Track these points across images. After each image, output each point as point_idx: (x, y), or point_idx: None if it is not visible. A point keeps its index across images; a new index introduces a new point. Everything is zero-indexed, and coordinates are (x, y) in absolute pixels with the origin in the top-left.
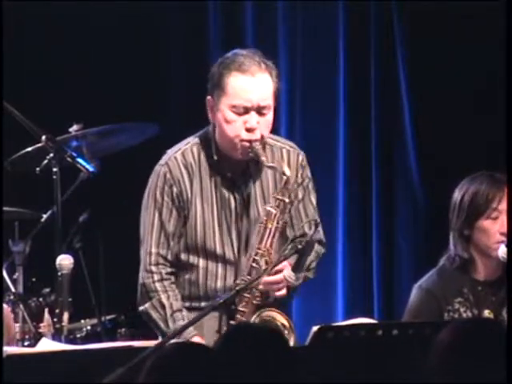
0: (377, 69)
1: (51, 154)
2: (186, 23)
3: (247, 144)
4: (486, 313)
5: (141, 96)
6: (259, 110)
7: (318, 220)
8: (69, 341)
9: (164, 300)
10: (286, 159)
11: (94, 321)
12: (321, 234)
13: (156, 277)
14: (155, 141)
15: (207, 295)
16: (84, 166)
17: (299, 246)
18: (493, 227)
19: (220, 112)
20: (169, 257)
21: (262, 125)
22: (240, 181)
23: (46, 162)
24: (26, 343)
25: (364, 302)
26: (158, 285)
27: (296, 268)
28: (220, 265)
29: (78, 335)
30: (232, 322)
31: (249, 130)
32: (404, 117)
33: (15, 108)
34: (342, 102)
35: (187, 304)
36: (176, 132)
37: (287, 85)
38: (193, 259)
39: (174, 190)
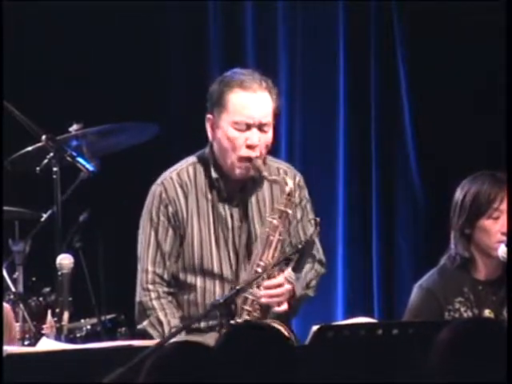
0: (377, 69)
1: (51, 154)
2: (186, 23)
3: (247, 162)
4: (487, 312)
5: (141, 96)
6: (260, 127)
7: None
8: (69, 340)
9: (162, 317)
10: None
11: (94, 320)
12: (321, 255)
13: (153, 295)
14: (155, 140)
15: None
16: (84, 166)
17: (299, 246)
18: (494, 227)
19: (221, 129)
20: (165, 276)
21: (262, 142)
22: (237, 198)
23: (46, 161)
24: (26, 342)
25: (364, 301)
26: (155, 303)
27: (296, 268)
28: (218, 283)
29: (78, 334)
30: (232, 322)
31: (250, 147)
32: (404, 117)
33: (15, 107)
34: (342, 102)
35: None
36: (176, 132)
37: (287, 85)
38: (190, 279)
39: (170, 209)
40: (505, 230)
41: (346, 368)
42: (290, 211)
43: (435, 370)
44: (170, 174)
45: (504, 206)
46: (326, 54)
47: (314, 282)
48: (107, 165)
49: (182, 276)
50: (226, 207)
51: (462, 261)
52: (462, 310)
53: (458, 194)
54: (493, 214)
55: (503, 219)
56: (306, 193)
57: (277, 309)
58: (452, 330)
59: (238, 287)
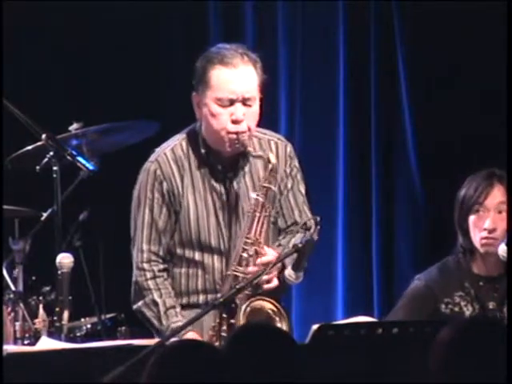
0: (377, 69)
1: (51, 153)
2: (186, 23)
3: (234, 136)
4: (491, 305)
5: (141, 94)
6: (244, 102)
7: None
8: (69, 339)
9: (157, 298)
10: (275, 151)
11: (94, 319)
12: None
13: (149, 274)
14: (155, 139)
15: (205, 288)
16: (84, 165)
17: (299, 245)
18: (479, 222)
19: (206, 106)
20: (161, 253)
21: (249, 116)
22: (230, 173)
23: (46, 160)
24: (25, 341)
25: (364, 300)
26: (150, 283)
27: (296, 267)
28: (216, 257)
29: (78, 334)
30: (232, 321)
31: (235, 122)
32: (404, 117)
33: (15, 106)
34: (341, 102)
35: (185, 300)
36: (176, 130)
37: (287, 84)
38: (188, 253)
39: (165, 185)
40: (487, 226)
41: (346, 367)
42: (273, 187)
43: (435, 369)
44: (164, 151)
45: (489, 202)
46: (325, 53)
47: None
48: (107, 164)
49: (179, 251)
50: (220, 181)
51: (464, 256)
52: (463, 304)
53: (460, 189)
54: (478, 209)
55: (487, 215)
56: (296, 162)
57: (266, 286)
58: (452, 329)
59: (237, 286)
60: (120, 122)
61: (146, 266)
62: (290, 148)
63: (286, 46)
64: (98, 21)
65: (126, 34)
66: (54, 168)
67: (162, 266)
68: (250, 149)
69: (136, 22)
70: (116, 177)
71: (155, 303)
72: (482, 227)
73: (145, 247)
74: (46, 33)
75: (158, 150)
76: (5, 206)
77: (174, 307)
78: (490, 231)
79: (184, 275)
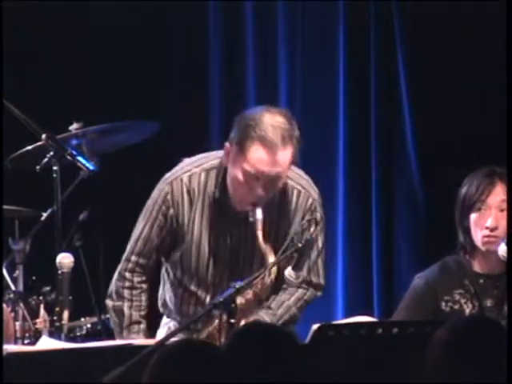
0: (377, 69)
1: (51, 153)
2: (186, 23)
3: (250, 207)
4: (488, 303)
5: (141, 94)
6: (271, 182)
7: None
8: (69, 339)
9: (125, 309)
10: (295, 200)
11: (94, 319)
12: (321, 278)
13: (127, 283)
14: (155, 139)
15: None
16: (84, 165)
17: (299, 245)
18: (480, 220)
19: (233, 167)
20: (147, 268)
21: (270, 191)
22: (240, 218)
23: (46, 160)
24: (26, 341)
25: (364, 300)
26: (126, 291)
27: (296, 267)
28: (210, 293)
29: (78, 333)
30: (232, 321)
31: (254, 197)
32: (404, 117)
33: (15, 106)
34: (341, 102)
35: (178, 318)
36: (176, 131)
37: (287, 85)
38: (185, 282)
39: (171, 211)
40: (489, 224)
41: (346, 367)
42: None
43: (432, 369)
44: (182, 176)
45: (491, 199)
46: (325, 54)
47: (294, 309)
48: (107, 163)
49: (179, 275)
50: (228, 224)
51: (465, 254)
52: (463, 301)
53: (461, 187)
54: (480, 207)
55: (489, 213)
56: (318, 214)
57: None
58: (448, 329)
59: (237, 286)
60: (120, 122)
61: (127, 274)
62: (311, 200)
63: (286, 46)
64: (98, 21)
65: (125, 34)
66: (54, 168)
67: (143, 278)
68: (259, 232)
69: (136, 22)
70: (116, 177)
71: (122, 313)
72: (483, 225)
73: (133, 258)
74: (46, 33)
75: (182, 164)
76: (5, 206)
77: (138, 323)
78: (492, 229)
79: (179, 297)
